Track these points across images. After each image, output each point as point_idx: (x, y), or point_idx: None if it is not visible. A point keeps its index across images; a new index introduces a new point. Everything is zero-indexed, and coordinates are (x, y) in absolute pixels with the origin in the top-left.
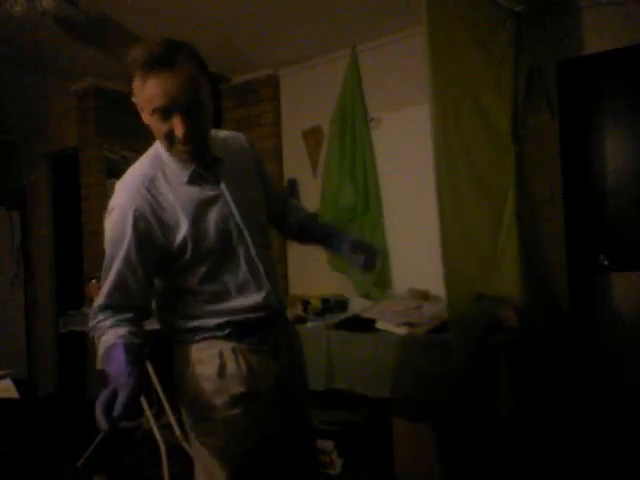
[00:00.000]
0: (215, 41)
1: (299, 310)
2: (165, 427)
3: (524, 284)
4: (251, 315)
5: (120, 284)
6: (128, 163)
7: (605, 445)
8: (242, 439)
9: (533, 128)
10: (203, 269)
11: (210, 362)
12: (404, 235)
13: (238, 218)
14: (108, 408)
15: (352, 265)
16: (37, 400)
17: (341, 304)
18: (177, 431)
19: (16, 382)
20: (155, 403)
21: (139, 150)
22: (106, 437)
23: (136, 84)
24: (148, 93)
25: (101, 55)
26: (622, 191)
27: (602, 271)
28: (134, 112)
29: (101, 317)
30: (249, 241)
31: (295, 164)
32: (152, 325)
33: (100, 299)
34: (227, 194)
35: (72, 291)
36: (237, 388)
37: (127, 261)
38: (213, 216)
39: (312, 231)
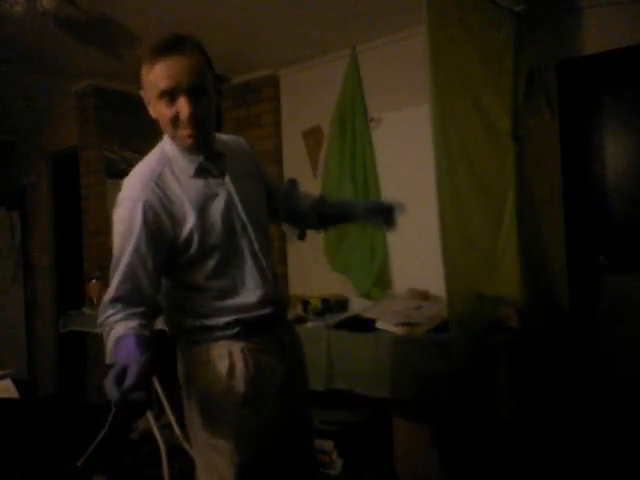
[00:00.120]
0: (215, 41)
1: (299, 310)
2: (165, 427)
3: (524, 284)
4: (258, 311)
5: (130, 276)
6: (128, 163)
7: (605, 445)
8: (251, 440)
9: (533, 128)
10: (209, 264)
11: (220, 362)
12: (404, 235)
13: (242, 213)
14: (118, 380)
15: (375, 226)
16: (37, 400)
17: (341, 304)
18: (177, 431)
19: (16, 382)
20: (155, 403)
21: (139, 150)
22: (114, 419)
23: (144, 72)
24: (156, 75)
25: (101, 55)
26: (622, 191)
27: (602, 271)
28: (134, 112)
29: (111, 311)
30: (252, 236)
31: (295, 164)
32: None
33: (109, 292)
34: (231, 188)
35: (72, 291)
36: (247, 389)
37: (137, 252)
38: (218, 209)
39: (329, 211)
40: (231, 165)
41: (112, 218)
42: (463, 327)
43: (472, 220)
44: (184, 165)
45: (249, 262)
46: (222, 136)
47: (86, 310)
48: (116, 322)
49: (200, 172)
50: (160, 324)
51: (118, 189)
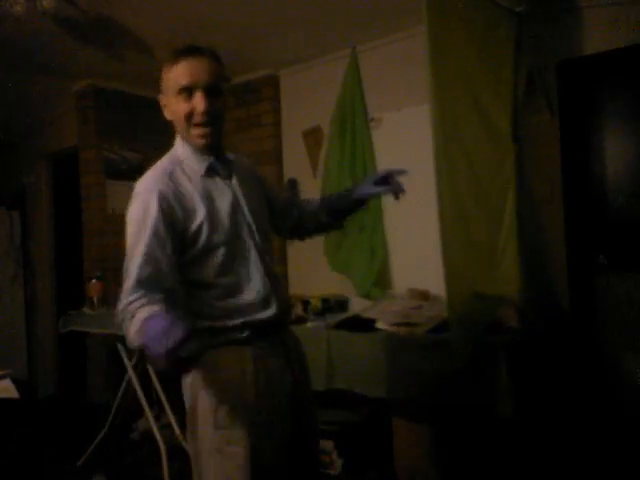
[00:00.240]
0: (215, 41)
1: (299, 310)
2: (165, 427)
3: (524, 284)
4: (263, 313)
5: (150, 259)
6: (128, 163)
7: (605, 444)
8: (264, 444)
9: (533, 128)
10: (216, 260)
11: (230, 369)
12: (404, 235)
13: (247, 214)
14: (163, 337)
15: (384, 195)
16: (37, 400)
17: (341, 304)
18: (177, 431)
19: (16, 382)
20: (155, 403)
21: (139, 150)
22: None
23: (165, 73)
24: (176, 73)
25: (101, 55)
26: (622, 191)
27: (602, 271)
28: (134, 112)
29: (132, 297)
30: (257, 236)
31: (295, 164)
32: None
33: (131, 278)
34: (238, 190)
35: (72, 291)
36: (258, 395)
37: (156, 236)
38: (226, 207)
39: (338, 201)
40: (237, 172)
41: (127, 213)
42: (463, 327)
43: (472, 220)
44: (195, 165)
45: (254, 259)
46: (227, 155)
47: (86, 310)
48: (139, 308)
49: (210, 172)
50: None
51: (118, 189)
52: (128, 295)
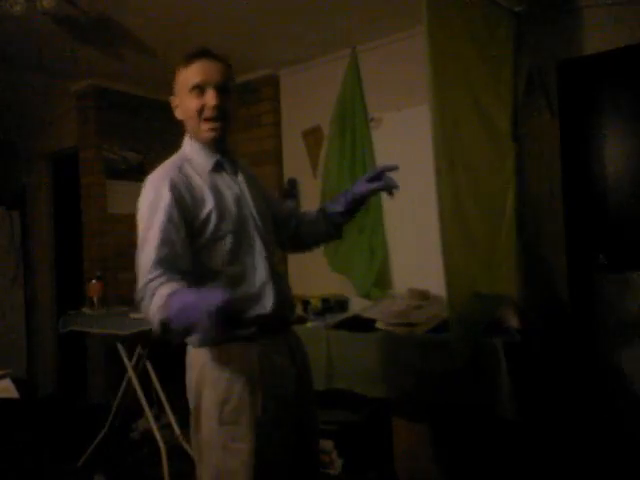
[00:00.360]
0: (215, 41)
1: (299, 310)
2: (165, 427)
3: (524, 284)
4: (266, 304)
5: (166, 240)
6: (128, 163)
7: (605, 445)
8: (268, 441)
9: (533, 128)
10: (225, 247)
11: (237, 365)
12: (404, 235)
13: (253, 210)
14: (194, 310)
15: (377, 192)
16: (37, 400)
17: (341, 304)
18: (177, 431)
19: (16, 382)
20: (155, 403)
21: (139, 150)
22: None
23: (178, 74)
24: (189, 73)
25: (101, 55)
26: (622, 191)
27: (602, 271)
28: (134, 112)
29: (152, 276)
30: (262, 231)
31: (295, 164)
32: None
33: (149, 259)
34: (244, 187)
35: (72, 291)
36: (265, 391)
37: (170, 221)
38: (233, 199)
39: (335, 206)
40: (243, 172)
41: (138, 202)
42: (463, 327)
43: (472, 220)
44: (203, 161)
45: (259, 249)
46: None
47: (86, 310)
48: (159, 285)
49: (217, 167)
50: None
51: (118, 189)
52: (147, 274)
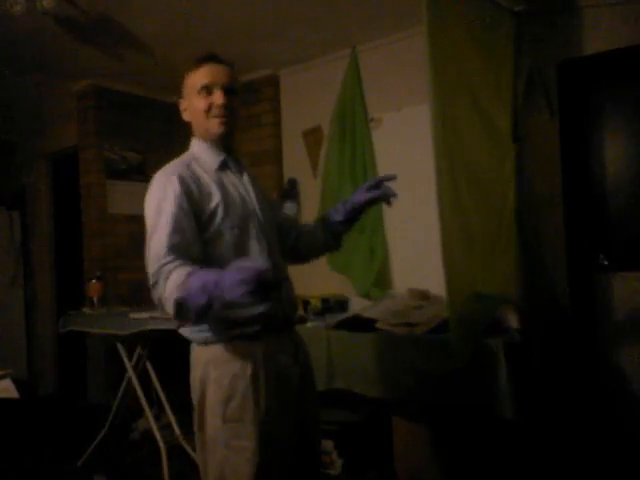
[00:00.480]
0: (215, 41)
1: (299, 310)
2: (165, 427)
3: (524, 284)
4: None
5: (178, 228)
6: (128, 163)
7: (605, 444)
8: (271, 439)
9: (533, 128)
10: (231, 239)
11: (242, 363)
12: (404, 235)
13: (258, 210)
14: (215, 288)
15: (375, 200)
16: (37, 400)
17: (341, 304)
18: (177, 431)
19: (16, 382)
20: (155, 403)
21: (139, 150)
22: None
23: (187, 78)
24: (198, 75)
25: (101, 55)
26: (622, 191)
27: (602, 271)
28: (134, 112)
29: (165, 260)
30: (266, 229)
31: (295, 164)
32: (151, 325)
33: (161, 246)
34: (249, 187)
35: (72, 291)
36: (268, 389)
37: (181, 209)
38: (238, 195)
39: (334, 216)
40: (247, 173)
41: (146, 197)
42: (463, 327)
43: (472, 220)
44: (209, 160)
45: (263, 247)
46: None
47: (86, 310)
48: (174, 269)
49: (223, 166)
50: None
51: (118, 189)
52: (161, 259)
